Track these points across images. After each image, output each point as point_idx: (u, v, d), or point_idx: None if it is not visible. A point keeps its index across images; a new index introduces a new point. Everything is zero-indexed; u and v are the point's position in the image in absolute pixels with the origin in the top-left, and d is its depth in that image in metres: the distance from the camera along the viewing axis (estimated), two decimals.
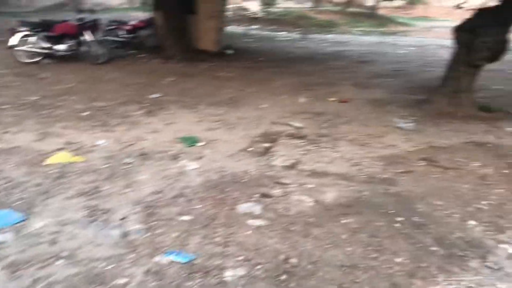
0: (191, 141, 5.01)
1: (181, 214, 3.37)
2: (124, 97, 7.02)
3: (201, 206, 3.49)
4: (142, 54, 11.06)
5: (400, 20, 34.49)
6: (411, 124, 6.24)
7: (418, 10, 39.58)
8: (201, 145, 4.93)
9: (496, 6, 6.77)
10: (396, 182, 4.12)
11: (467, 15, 7.26)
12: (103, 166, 4.23)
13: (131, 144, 4.86)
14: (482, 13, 6.82)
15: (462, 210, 3.57)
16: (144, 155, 4.54)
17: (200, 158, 4.54)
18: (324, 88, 8.63)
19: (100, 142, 4.90)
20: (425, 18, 38.67)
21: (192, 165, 4.31)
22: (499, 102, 8.00)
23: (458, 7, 7.29)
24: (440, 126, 6.28)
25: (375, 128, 6.02)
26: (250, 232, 3.13)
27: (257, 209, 3.44)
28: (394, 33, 24.63)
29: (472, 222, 3.37)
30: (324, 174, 4.26)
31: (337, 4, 35.68)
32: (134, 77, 8.58)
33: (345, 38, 21.60)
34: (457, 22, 7.41)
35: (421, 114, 6.84)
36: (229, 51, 12.60)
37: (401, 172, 4.37)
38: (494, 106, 7.46)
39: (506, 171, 4.51)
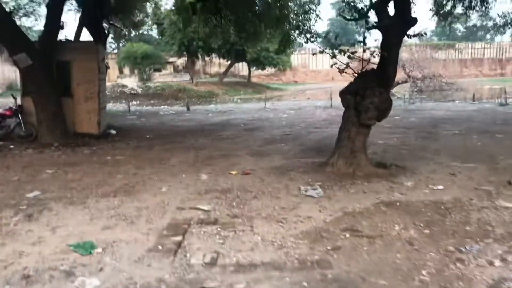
0: (86, 248, 4.18)
1: None
2: None
3: None
4: (12, 146, 9.73)
5: (274, 86, 36.66)
6: (319, 190, 6.11)
7: (288, 76, 42.60)
8: (100, 251, 4.13)
9: (376, 69, 7.21)
10: (329, 263, 3.78)
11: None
12: None
13: (9, 264, 3.86)
14: (364, 76, 7.20)
15: (407, 287, 3.32)
16: (28, 278, 3.60)
17: (101, 269, 3.74)
18: (222, 161, 8.30)
19: None
20: (294, 83, 41.69)
21: (93, 282, 3.51)
22: (388, 156, 8.42)
23: (340, 71, 7.62)
24: (346, 188, 6.25)
25: (286, 200, 5.75)
26: None
27: None
28: (270, 99, 25.82)
29: None
30: (251, 266, 3.76)
31: (213, 76, 36.84)
32: (4, 174, 7.35)
33: (227, 107, 22.04)
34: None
35: (324, 178, 6.79)
36: (112, 132, 11.80)
37: (330, 250, 4.06)
38: (386, 161, 7.78)
39: (427, 231, 4.46)
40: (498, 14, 13.85)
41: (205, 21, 16.01)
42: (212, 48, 26.54)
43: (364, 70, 7.29)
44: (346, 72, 7.27)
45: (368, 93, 6.89)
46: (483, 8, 12.91)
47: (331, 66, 7.42)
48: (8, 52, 10.35)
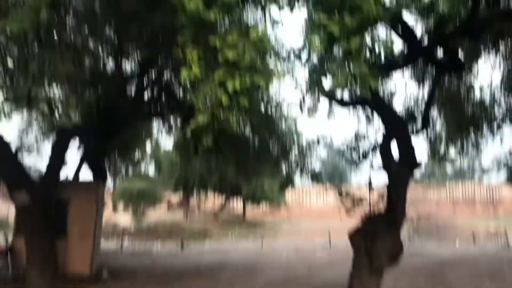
0: None
1: None
2: None
3: None
4: None
5: (269, 223, 36.25)
6: None
7: (282, 213, 42.30)
8: None
9: (385, 210, 7.11)
10: None
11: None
12: None
13: None
14: (373, 218, 7.06)
15: None
16: None
17: None
18: None
19: None
20: (289, 220, 41.26)
21: None
22: None
23: (347, 210, 7.53)
24: None
25: None
26: None
27: None
28: (266, 236, 25.24)
29: None
30: None
31: (208, 213, 36.60)
32: None
33: (223, 245, 21.39)
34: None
35: None
36: (105, 273, 11.12)
37: None
38: None
39: None
40: (490, 159, 14.35)
41: (205, 160, 16.42)
42: (207, 184, 26.83)
43: (371, 211, 7.18)
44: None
45: (379, 237, 6.67)
46: (475, 151, 13.39)
47: (339, 209, 7.33)
48: (8, 189, 10.21)
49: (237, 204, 37.98)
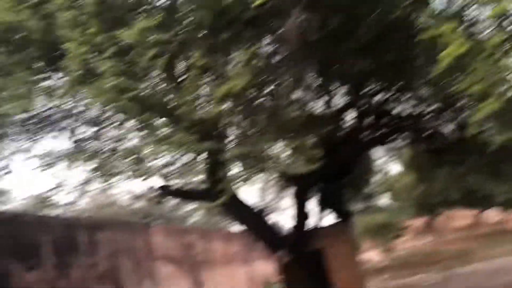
0: None
1: None
2: None
3: None
4: None
5: None
6: None
7: None
8: None
9: None
10: None
11: None
12: None
13: None
14: None
15: None
16: None
17: None
18: None
19: None
20: None
21: None
22: None
23: None
24: None
25: None
26: None
27: None
28: None
29: None
30: None
31: (459, 231, 32.70)
32: None
33: (493, 265, 18.15)
34: None
35: None
36: None
37: None
38: None
39: None
40: None
41: (447, 170, 14.36)
42: (453, 199, 23.68)
43: None
44: None
45: None
46: None
47: None
48: (267, 250, 10.39)
49: (491, 215, 32.94)
